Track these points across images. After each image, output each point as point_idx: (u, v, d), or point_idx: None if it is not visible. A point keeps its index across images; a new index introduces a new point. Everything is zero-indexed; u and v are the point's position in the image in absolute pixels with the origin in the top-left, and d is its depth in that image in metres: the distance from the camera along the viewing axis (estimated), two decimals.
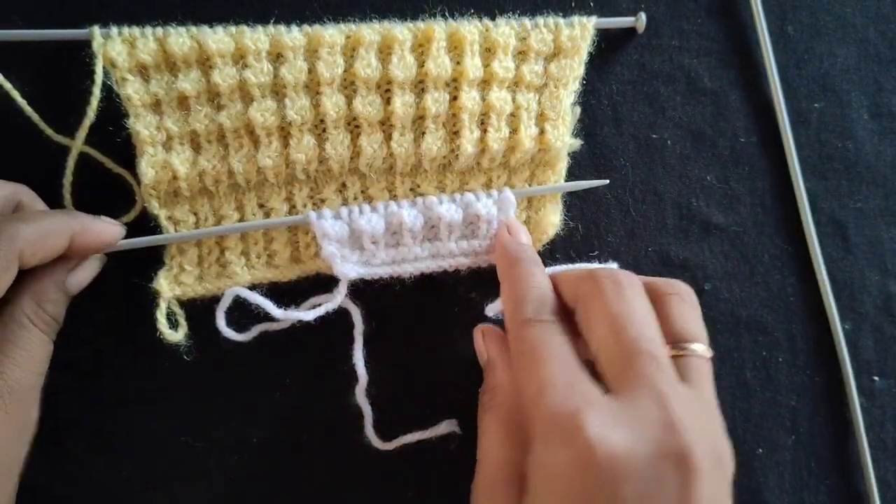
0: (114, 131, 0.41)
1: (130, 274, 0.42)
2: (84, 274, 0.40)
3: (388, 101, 0.42)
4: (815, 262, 0.48)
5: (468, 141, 0.43)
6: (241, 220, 0.42)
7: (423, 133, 0.43)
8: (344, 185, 0.43)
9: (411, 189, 0.44)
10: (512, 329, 0.38)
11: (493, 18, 0.43)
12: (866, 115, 0.49)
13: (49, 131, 0.40)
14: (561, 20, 0.44)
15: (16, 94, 0.40)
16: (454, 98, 0.43)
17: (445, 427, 0.44)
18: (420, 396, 0.44)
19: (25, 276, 0.36)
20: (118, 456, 0.42)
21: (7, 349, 0.36)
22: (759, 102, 0.48)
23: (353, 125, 0.42)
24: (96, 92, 0.39)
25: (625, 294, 0.36)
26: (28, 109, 0.40)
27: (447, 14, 0.43)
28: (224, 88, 0.40)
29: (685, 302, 0.38)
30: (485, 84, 0.43)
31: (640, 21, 0.46)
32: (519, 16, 0.43)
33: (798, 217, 0.48)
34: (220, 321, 0.40)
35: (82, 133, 0.40)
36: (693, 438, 0.31)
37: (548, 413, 0.32)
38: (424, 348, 0.45)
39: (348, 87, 0.42)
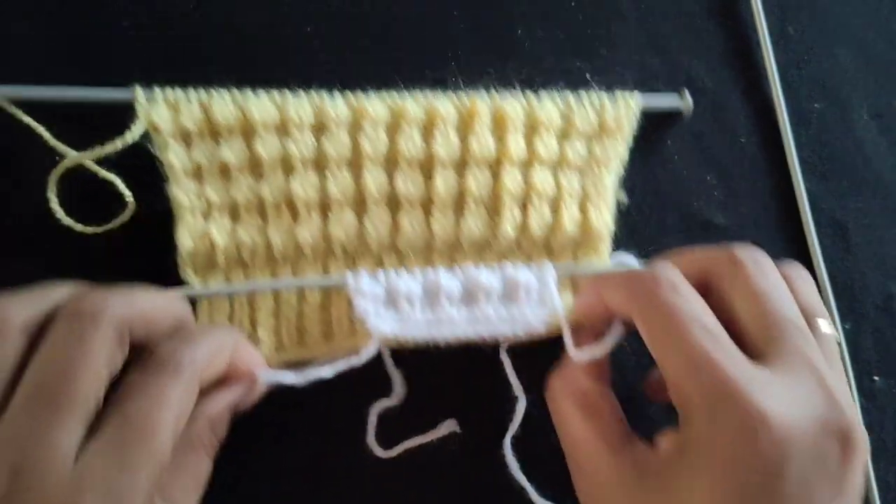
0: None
1: None
2: (256, 395, 0.38)
3: (429, 178, 0.42)
4: (816, 263, 0.48)
5: (509, 222, 0.42)
6: (275, 293, 0.41)
7: (464, 213, 0.42)
8: (381, 260, 0.43)
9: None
10: (641, 303, 0.36)
11: (533, 86, 0.43)
12: (867, 115, 0.49)
13: (47, 135, 0.40)
14: (606, 97, 0.43)
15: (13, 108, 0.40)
16: (495, 177, 0.42)
17: (446, 428, 0.44)
18: (420, 396, 0.44)
19: (199, 398, 0.34)
20: None
21: (178, 473, 0.34)
22: (760, 103, 0.48)
23: (393, 202, 0.42)
24: (133, 136, 0.39)
25: (767, 272, 0.37)
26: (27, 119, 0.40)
27: (490, 84, 0.43)
28: (266, 159, 0.40)
29: (806, 281, 0.39)
30: (527, 163, 0.43)
31: (686, 99, 0.46)
32: (560, 89, 0.43)
33: (798, 217, 0.48)
34: None
35: (92, 154, 0.39)
36: (853, 416, 0.32)
37: (711, 385, 0.32)
38: (424, 346, 0.45)
39: (390, 162, 0.41)
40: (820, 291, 0.48)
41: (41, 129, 0.39)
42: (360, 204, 0.41)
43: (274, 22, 0.44)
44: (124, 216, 0.41)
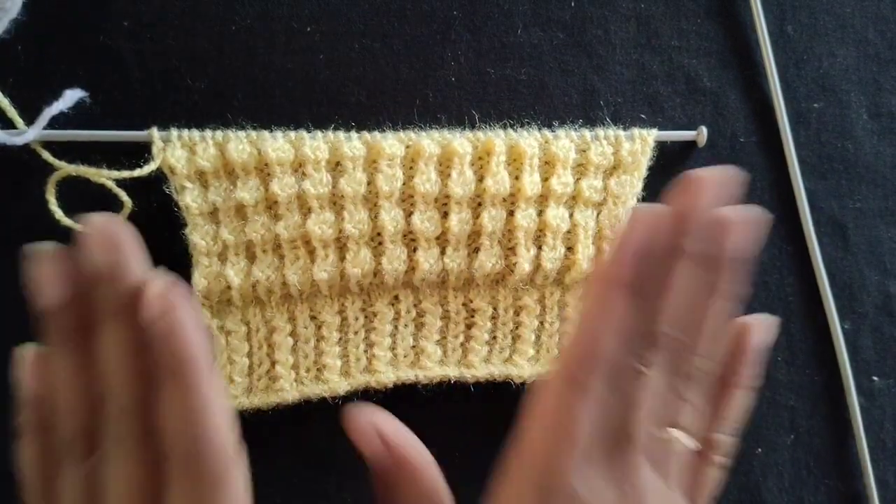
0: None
1: None
2: None
3: (444, 216, 0.42)
4: (815, 262, 0.48)
5: (524, 259, 0.42)
6: (293, 331, 0.42)
7: (478, 249, 0.42)
8: (397, 297, 0.43)
9: (463, 304, 0.43)
10: (553, 372, 0.32)
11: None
12: (865, 115, 0.49)
13: (46, 154, 0.40)
14: (622, 133, 0.43)
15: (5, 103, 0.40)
16: (510, 213, 0.42)
17: None
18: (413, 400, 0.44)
19: None
20: None
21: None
22: (759, 102, 0.48)
23: (408, 239, 0.42)
24: (142, 173, 0.39)
25: None
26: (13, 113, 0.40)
27: (505, 119, 0.44)
28: (283, 199, 0.40)
29: None
30: (542, 199, 0.43)
31: (702, 135, 0.46)
32: (573, 125, 0.43)
33: (797, 217, 0.48)
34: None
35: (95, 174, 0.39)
36: None
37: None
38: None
39: (406, 199, 0.41)
40: (819, 291, 0.48)
41: (63, 164, 0.40)
42: (376, 241, 0.41)
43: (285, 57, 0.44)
44: (121, 216, 0.41)
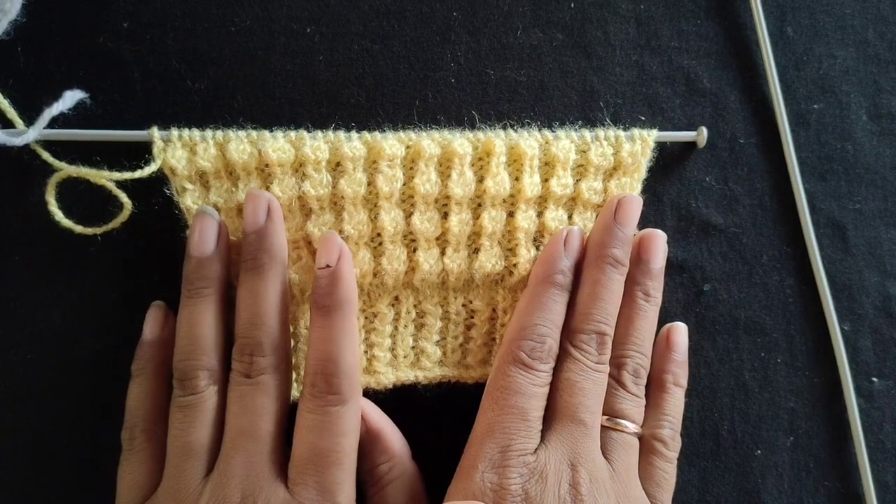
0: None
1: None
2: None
3: (444, 216, 0.42)
4: (814, 264, 0.48)
5: (524, 260, 0.42)
6: (293, 332, 0.41)
7: (478, 250, 0.42)
8: (397, 298, 0.43)
9: (464, 305, 0.43)
10: (501, 357, 0.39)
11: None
12: (865, 116, 0.49)
13: (46, 155, 0.40)
14: (622, 133, 0.43)
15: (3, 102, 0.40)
16: (510, 214, 0.42)
17: None
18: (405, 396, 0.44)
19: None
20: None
21: None
22: (759, 103, 0.48)
23: (408, 239, 0.42)
24: (143, 174, 0.39)
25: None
26: (11, 111, 0.40)
27: (504, 120, 0.44)
28: (283, 201, 0.40)
29: None
30: (542, 201, 0.43)
31: (702, 135, 0.46)
32: (572, 126, 0.43)
33: (797, 218, 0.48)
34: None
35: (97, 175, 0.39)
36: None
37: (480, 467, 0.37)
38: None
39: (406, 200, 0.41)
40: (818, 292, 0.48)
41: (63, 165, 0.40)
42: (375, 241, 0.41)
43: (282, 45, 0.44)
44: (121, 218, 0.41)
